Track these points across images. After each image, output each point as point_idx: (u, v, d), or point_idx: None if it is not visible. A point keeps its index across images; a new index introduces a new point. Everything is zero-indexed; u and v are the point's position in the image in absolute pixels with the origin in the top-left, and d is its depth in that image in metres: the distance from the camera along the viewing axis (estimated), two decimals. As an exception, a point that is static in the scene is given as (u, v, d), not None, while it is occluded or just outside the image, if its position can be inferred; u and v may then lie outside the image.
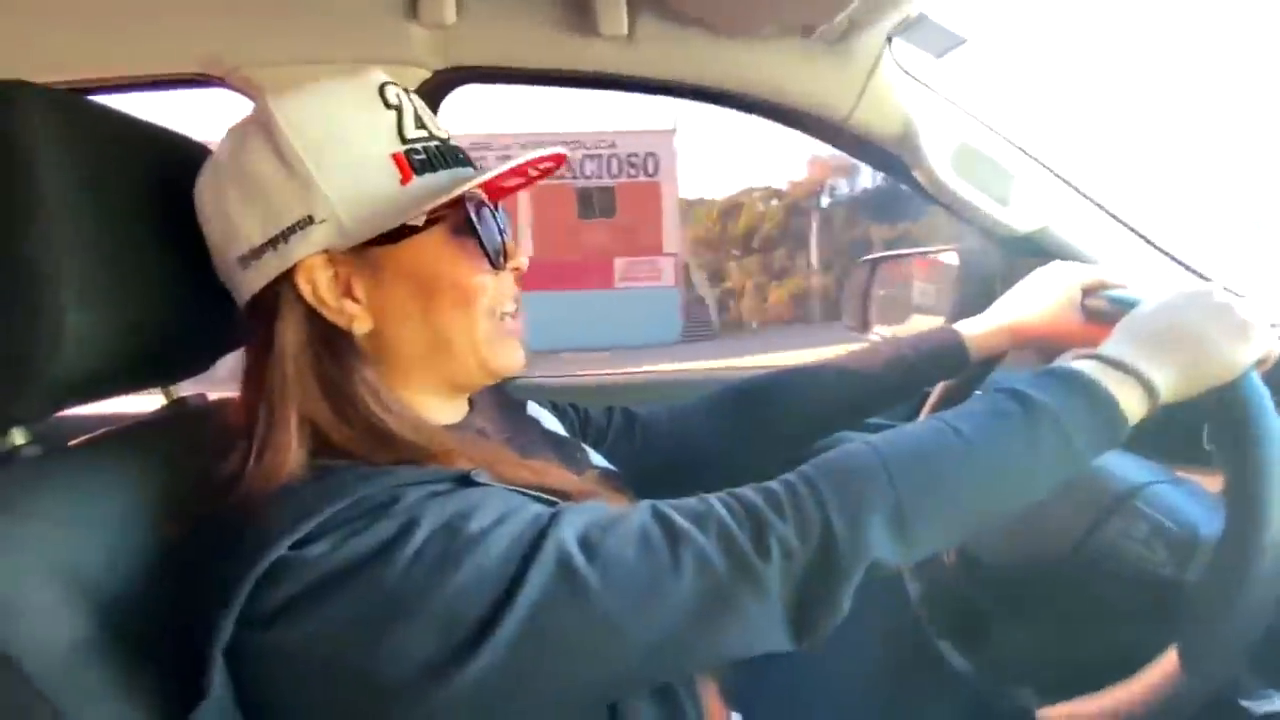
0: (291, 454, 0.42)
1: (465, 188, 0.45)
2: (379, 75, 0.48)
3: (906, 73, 0.85)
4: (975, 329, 0.70)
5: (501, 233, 0.50)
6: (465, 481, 0.42)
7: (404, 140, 0.46)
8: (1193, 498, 0.59)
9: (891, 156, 0.91)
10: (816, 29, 0.79)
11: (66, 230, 0.41)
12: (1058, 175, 0.90)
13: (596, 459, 0.65)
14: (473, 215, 0.47)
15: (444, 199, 0.45)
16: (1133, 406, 0.46)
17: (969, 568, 0.68)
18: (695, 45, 0.83)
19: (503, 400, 0.64)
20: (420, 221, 0.46)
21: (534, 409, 0.69)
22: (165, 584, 0.43)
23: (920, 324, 1.19)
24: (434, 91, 0.89)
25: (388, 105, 0.47)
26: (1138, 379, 0.47)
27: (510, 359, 0.51)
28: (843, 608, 0.41)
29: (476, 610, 0.37)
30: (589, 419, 0.72)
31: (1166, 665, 0.49)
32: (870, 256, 1.21)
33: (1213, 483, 0.62)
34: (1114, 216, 0.90)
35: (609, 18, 0.81)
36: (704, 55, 0.84)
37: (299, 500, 0.40)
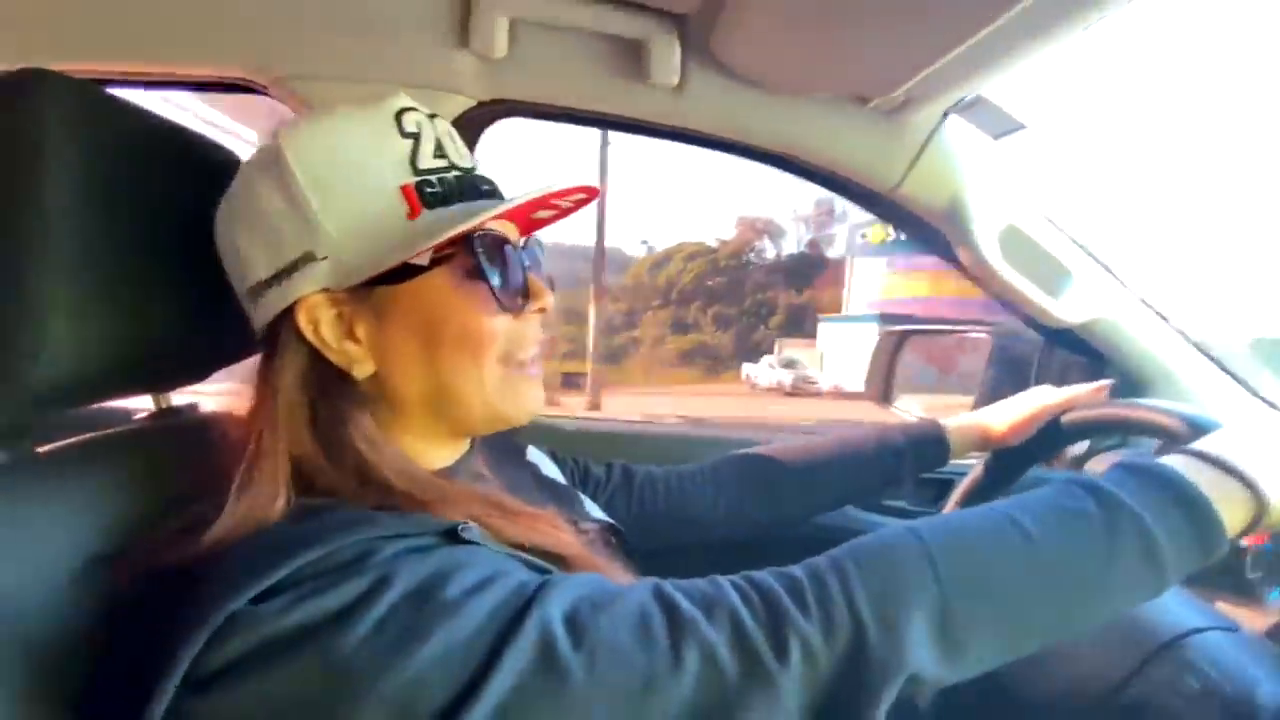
0: (274, 496, 0.40)
1: (467, 225, 0.41)
2: (399, 100, 0.45)
3: (959, 149, 0.83)
4: (954, 423, 0.76)
5: (526, 271, 0.46)
6: (451, 536, 0.39)
7: (416, 171, 0.43)
8: (1249, 651, 0.52)
9: (934, 231, 0.88)
10: (872, 100, 0.77)
11: (62, 233, 0.39)
12: (1108, 269, 0.87)
13: (595, 511, 0.62)
14: (480, 255, 0.43)
15: (441, 238, 0.41)
16: (1233, 513, 0.40)
17: (990, 694, 0.62)
18: (746, 102, 0.82)
19: (501, 442, 0.61)
20: (425, 261, 0.43)
21: (533, 454, 0.67)
22: (111, 633, 0.39)
23: (942, 404, 1.15)
24: (476, 121, 0.88)
25: (403, 133, 0.43)
26: (1239, 480, 0.40)
27: (523, 408, 0.48)
28: None
29: (438, 698, 0.33)
30: (588, 471, 0.71)
31: None
32: (899, 328, 1.18)
33: (1252, 617, 0.56)
34: (1163, 317, 0.87)
35: (661, 66, 0.80)
36: (754, 113, 0.82)
37: (268, 547, 0.36)
